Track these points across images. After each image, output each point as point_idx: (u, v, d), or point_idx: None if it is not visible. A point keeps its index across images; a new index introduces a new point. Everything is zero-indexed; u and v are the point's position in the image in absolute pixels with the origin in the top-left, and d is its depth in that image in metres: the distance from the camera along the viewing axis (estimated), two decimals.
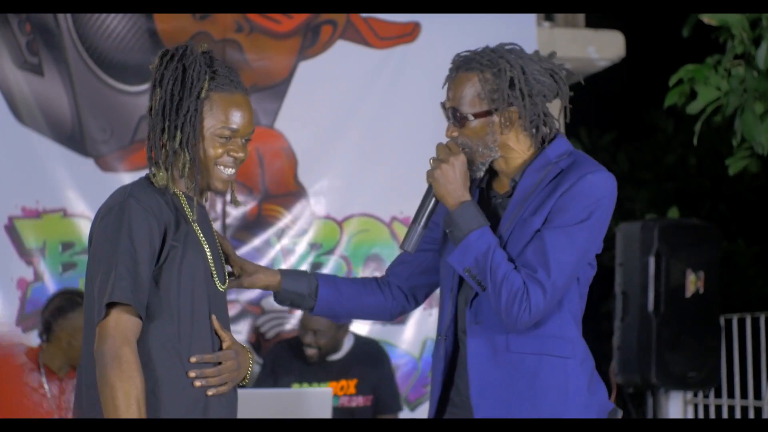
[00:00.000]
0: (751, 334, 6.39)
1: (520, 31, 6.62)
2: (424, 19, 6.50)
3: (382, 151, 6.38)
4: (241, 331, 6.20)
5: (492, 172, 3.31)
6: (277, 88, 6.34)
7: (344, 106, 6.39)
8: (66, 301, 5.13)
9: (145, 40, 6.19)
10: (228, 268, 3.26)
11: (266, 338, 6.24)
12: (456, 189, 3.19)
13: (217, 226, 6.16)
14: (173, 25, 6.21)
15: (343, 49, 6.42)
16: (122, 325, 2.88)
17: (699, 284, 6.15)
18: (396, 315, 3.50)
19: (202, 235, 3.06)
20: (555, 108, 3.32)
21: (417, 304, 3.52)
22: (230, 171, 3.07)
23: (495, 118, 3.20)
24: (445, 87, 3.27)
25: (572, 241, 3.10)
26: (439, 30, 6.49)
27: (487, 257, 3.11)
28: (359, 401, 5.87)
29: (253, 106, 6.17)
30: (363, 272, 6.32)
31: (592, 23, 7.13)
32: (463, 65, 3.23)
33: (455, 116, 3.23)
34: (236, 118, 3.04)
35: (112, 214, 2.96)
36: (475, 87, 3.20)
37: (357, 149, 6.37)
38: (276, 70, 6.34)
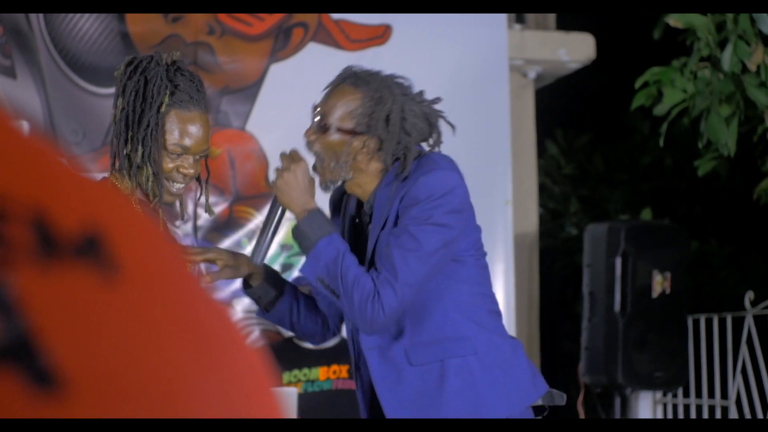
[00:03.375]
0: (719, 335, 6.43)
1: (491, 33, 6.68)
2: (395, 21, 6.54)
3: None
4: None
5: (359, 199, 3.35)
6: (249, 90, 6.37)
7: None
8: None
9: (117, 42, 6.22)
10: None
11: None
12: (299, 196, 3.19)
13: (188, 227, 6.20)
14: (145, 28, 6.25)
15: (314, 52, 6.46)
16: None
17: (666, 285, 6.20)
18: (327, 339, 3.58)
19: None
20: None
21: (333, 333, 3.57)
22: (179, 185, 3.13)
23: (356, 140, 3.20)
24: (324, 91, 3.28)
25: (416, 241, 3.11)
26: (410, 32, 6.52)
27: (337, 263, 3.13)
28: (353, 385, 5.91)
29: (225, 108, 6.35)
30: None
31: (562, 26, 7.18)
32: (351, 78, 3.24)
33: (320, 122, 3.24)
34: (189, 137, 3.09)
35: None
36: (350, 104, 3.20)
37: None
38: (247, 73, 6.37)
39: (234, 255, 3.36)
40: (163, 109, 3.05)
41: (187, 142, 3.08)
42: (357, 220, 3.34)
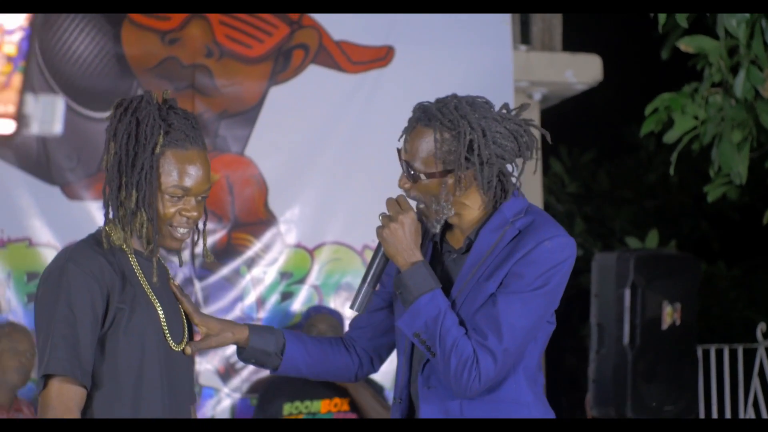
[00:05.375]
0: (729, 365, 6.30)
1: (496, 55, 6.54)
2: (398, 42, 6.40)
3: (354, 177, 6.28)
4: (211, 361, 6.10)
5: (446, 224, 3.20)
6: (248, 114, 6.23)
7: (316, 133, 6.29)
8: None
9: (113, 65, 6.08)
10: (195, 328, 3.15)
11: (236, 369, 6.14)
12: (406, 249, 3.08)
13: (185, 255, 6.06)
14: (141, 50, 6.10)
15: (315, 74, 6.32)
16: (64, 395, 2.79)
17: (676, 316, 6.05)
18: (361, 377, 3.39)
19: (153, 294, 2.96)
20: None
21: (382, 362, 3.40)
22: (183, 230, 2.99)
23: (449, 179, 3.08)
24: (402, 137, 3.14)
25: (527, 308, 3.00)
26: (413, 54, 6.39)
27: (437, 322, 3.00)
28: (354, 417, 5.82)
29: (223, 132, 6.20)
30: (334, 301, 6.23)
31: (569, 47, 7.03)
32: (423, 119, 3.09)
33: (408, 171, 3.10)
34: (189, 177, 2.95)
35: (51, 280, 2.88)
36: (430, 145, 3.07)
37: (329, 176, 6.27)
38: (247, 96, 6.23)
39: (220, 322, 3.19)
40: (157, 150, 2.92)
41: (188, 182, 2.94)
42: (439, 245, 3.21)
